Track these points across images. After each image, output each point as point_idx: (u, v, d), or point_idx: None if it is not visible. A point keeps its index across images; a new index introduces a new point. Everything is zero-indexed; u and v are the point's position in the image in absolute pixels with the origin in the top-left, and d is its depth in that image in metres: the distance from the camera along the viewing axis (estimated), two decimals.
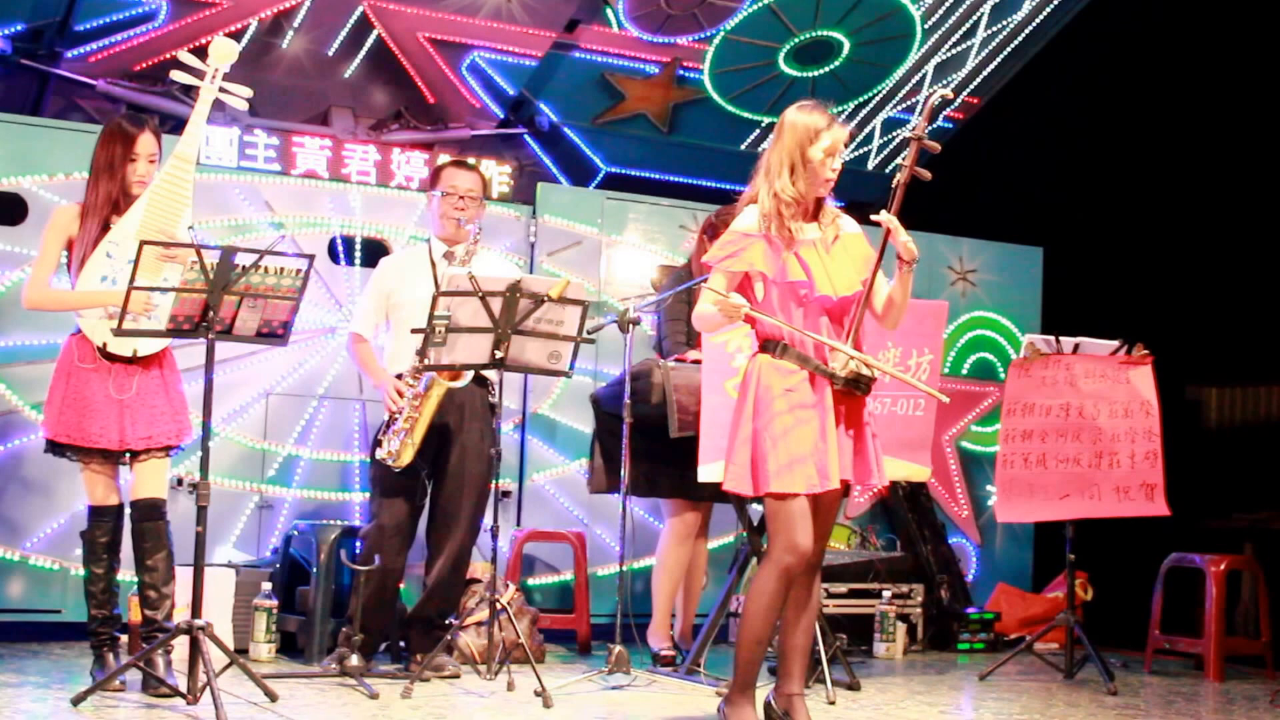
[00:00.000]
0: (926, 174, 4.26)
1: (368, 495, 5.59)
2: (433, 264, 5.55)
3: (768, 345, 4.22)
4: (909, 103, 8.55)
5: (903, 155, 4.34)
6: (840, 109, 8.45)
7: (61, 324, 6.04)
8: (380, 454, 5.34)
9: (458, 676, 5.35)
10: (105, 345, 4.72)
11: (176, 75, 4.92)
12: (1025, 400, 6.20)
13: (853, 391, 4.18)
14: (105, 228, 4.77)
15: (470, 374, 5.41)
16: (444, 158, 6.85)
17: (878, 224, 4.21)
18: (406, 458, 5.31)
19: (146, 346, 4.76)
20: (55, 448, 4.80)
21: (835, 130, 4.26)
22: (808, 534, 4.14)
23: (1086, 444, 6.21)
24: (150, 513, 4.81)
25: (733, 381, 5.35)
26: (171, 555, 4.85)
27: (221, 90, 4.87)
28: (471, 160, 6.28)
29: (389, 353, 5.56)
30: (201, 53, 4.91)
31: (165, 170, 4.80)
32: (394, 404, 5.33)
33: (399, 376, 5.40)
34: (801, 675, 4.33)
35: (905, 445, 5.81)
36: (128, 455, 4.81)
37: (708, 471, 5.17)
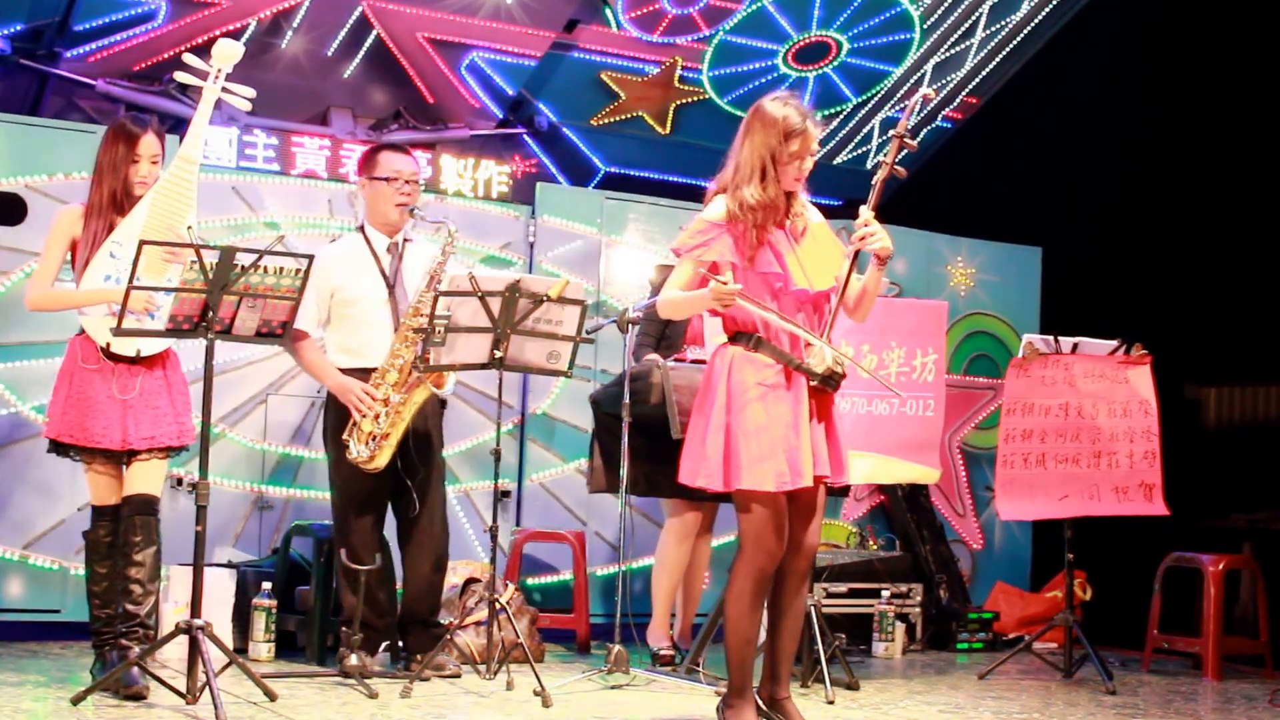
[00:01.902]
0: (903, 171, 4.29)
1: (332, 495, 5.49)
2: (375, 256, 5.50)
3: (739, 338, 4.19)
4: (908, 103, 8.55)
5: (884, 152, 4.35)
6: (839, 108, 8.46)
7: (62, 324, 6.05)
8: (351, 456, 5.29)
9: (458, 676, 5.35)
10: (108, 345, 4.73)
11: (180, 76, 4.93)
12: (1025, 400, 6.20)
13: (824, 388, 4.17)
14: (109, 228, 4.78)
15: (453, 381, 5.41)
16: (355, 146, 6.89)
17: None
18: (382, 461, 5.29)
19: (149, 346, 4.77)
20: (58, 448, 4.80)
21: (810, 129, 4.17)
22: (781, 532, 4.13)
23: (1086, 444, 6.21)
24: (143, 508, 4.80)
25: None
26: (159, 553, 4.84)
27: (224, 91, 4.88)
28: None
29: (341, 351, 5.47)
30: (202, 52, 4.92)
31: (169, 171, 4.81)
32: (366, 410, 5.28)
33: (366, 376, 5.35)
34: (788, 679, 4.33)
35: (914, 446, 5.80)
36: (128, 455, 4.82)
37: None
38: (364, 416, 5.28)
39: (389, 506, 5.52)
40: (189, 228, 4.75)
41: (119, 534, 4.84)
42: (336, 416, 5.41)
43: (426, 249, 5.63)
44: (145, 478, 4.82)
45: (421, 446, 5.45)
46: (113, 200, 4.81)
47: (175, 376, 4.89)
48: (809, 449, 4.12)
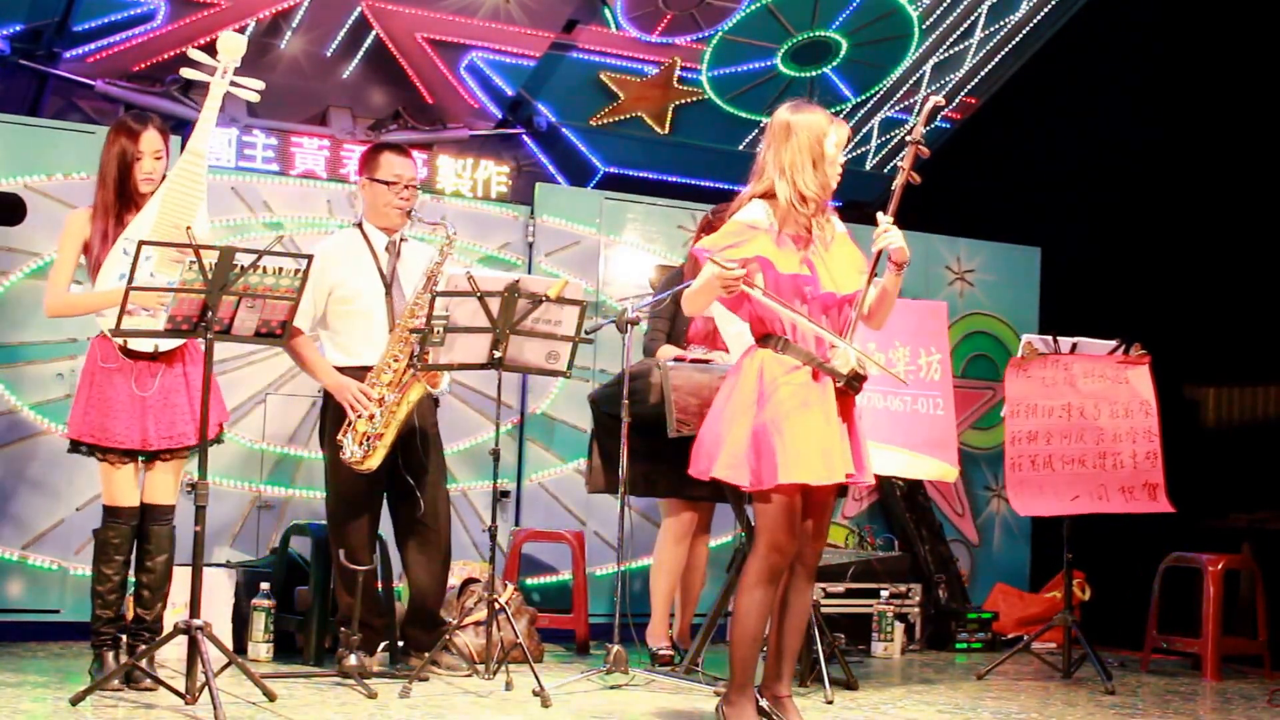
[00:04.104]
0: (917, 178, 4.38)
1: (327, 495, 5.48)
2: (374, 254, 5.50)
3: (768, 339, 4.22)
4: (907, 103, 8.56)
5: (900, 158, 4.42)
6: (838, 109, 8.46)
7: (63, 324, 6.06)
8: (345, 456, 5.27)
9: (470, 675, 5.35)
10: (126, 343, 4.73)
11: (186, 72, 4.93)
12: (1027, 401, 6.20)
13: (848, 390, 4.21)
14: (120, 226, 4.79)
15: (447, 380, 5.41)
16: (354, 146, 6.87)
17: (876, 223, 4.27)
18: (376, 461, 5.28)
19: (167, 342, 4.76)
20: (78, 447, 4.80)
21: (839, 125, 4.33)
22: (795, 529, 4.16)
23: (1090, 444, 6.21)
24: (160, 515, 4.86)
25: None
26: (172, 559, 4.90)
27: (233, 85, 4.89)
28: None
29: (338, 348, 5.46)
30: (204, 51, 4.93)
31: (178, 166, 4.83)
32: (362, 409, 5.27)
33: (362, 375, 5.34)
34: (790, 677, 4.34)
35: (932, 444, 5.82)
36: (142, 457, 4.82)
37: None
38: (359, 416, 5.28)
39: (384, 506, 5.51)
40: (188, 228, 4.75)
41: (131, 537, 4.84)
42: (333, 416, 5.40)
43: (424, 248, 5.64)
44: (164, 487, 4.87)
45: (424, 445, 5.45)
46: (119, 199, 4.83)
47: (195, 373, 4.88)
48: (840, 447, 4.17)
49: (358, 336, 5.42)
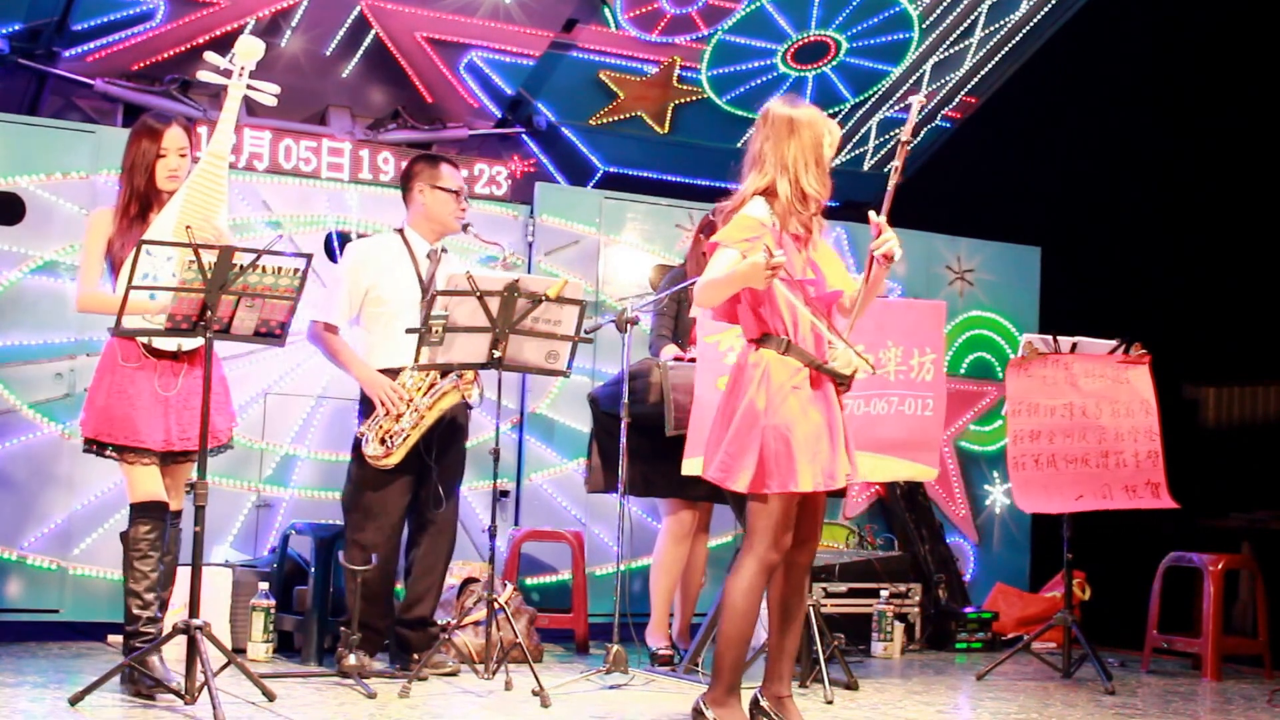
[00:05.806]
0: (899, 176, 4.35)
1: (348, 492, 5.47)
2: (414, 260, 5.51)
3: (768, 340, 4.19)
4: (906, 103, 8.55)
5: (894, 158, 4.40)
6: (837, 109, 8.46)
7: (62, 324, 6.06)
8: (366, 451, 5.28)
9: (456, 673, 5.35)
10: (149, 342, 4.72)
11: (203, 75, 4.93)
12: (1029, 400, 6.20)
13: (840, 390, 4.22)
14: (143, 226, 4.78)
15: (477, 394, 5.41)
16: (346, 143, 6.88)
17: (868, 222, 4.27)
18: (395, 460, 5.28)
19: (190, 342, 4.75)
20: (96, 446, 4.77)
21: (833, 126, 4.32)
22: (792, 529, 4.16)
23: (1092, 443, 6.21)
24: (171, 517, 4.86)
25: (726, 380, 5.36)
26: (176, 560, 4.90)
27: (249, 88, 4.90)
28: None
29: (370, 349, 5.47)
30: (206, 51, 4.95)
31: (198, 168, 4.83)
32: (394, 407, 5.28)
33: (392, 375, 5.36)
34: (790, 677, 4.33)
35: (911, 445, 5.79)
36: (168, 455, 4.81)
37: (693, 465, 5.23)
38: (388, 414, 5.29)
39: (408, 503, 5.50)
40: (187, 227, 4.74)
41: (162, 534, 4.79)
42: (367, 411, 5.42)
43: (460, 264, 5.64)
44: (177, 490, 4.86)
45: (443, 445, 5.44)
46: (142, 198, 4.83)
47: (215, 374, 4.86)
48: (842, 450, 4.17)
49: (391, 339, 5.42)
